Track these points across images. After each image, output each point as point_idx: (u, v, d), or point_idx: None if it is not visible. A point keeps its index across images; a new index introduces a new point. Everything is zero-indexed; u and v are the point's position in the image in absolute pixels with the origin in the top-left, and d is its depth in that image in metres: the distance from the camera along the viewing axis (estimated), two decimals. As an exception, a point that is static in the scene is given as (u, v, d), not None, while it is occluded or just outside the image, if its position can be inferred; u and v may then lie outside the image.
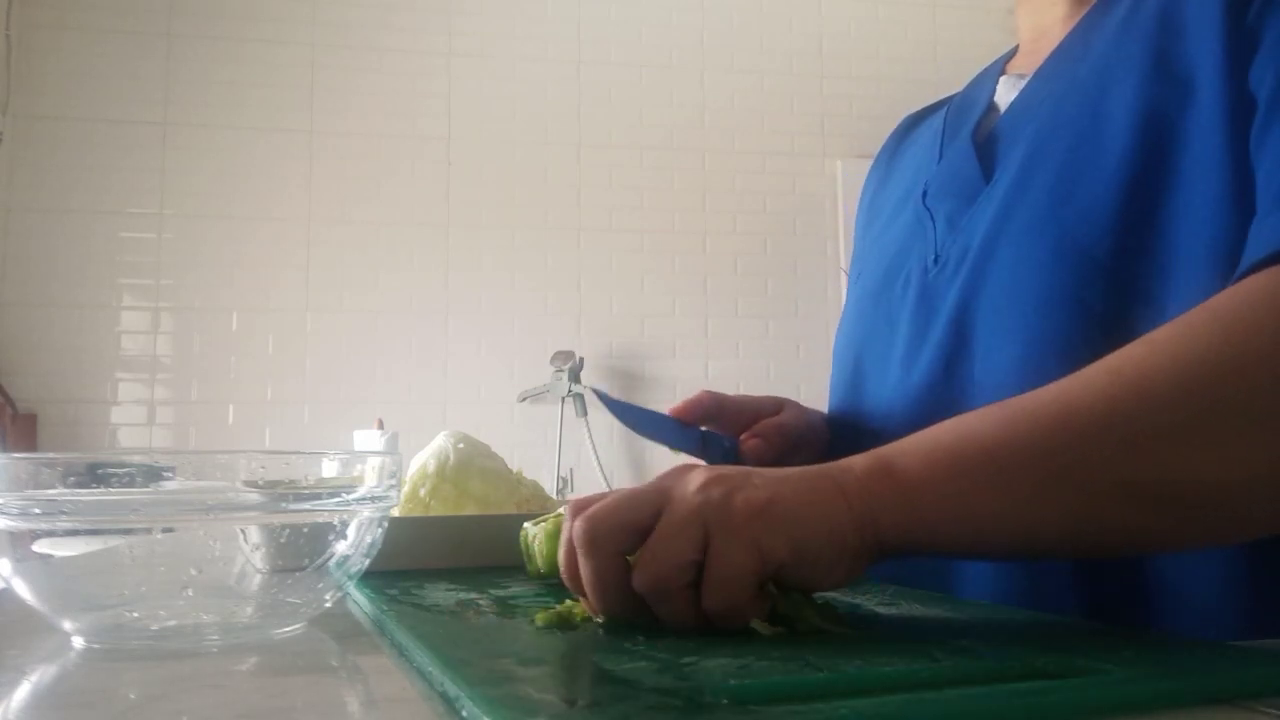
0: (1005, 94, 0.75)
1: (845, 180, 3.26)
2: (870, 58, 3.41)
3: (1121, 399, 0.46)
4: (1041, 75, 0.71)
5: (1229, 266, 0.53)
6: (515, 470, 0.85)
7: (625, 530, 0.45)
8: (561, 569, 0.48)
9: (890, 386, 0.73)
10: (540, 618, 0.48)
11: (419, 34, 3.11)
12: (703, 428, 0.75)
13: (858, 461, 0.47)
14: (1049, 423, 0.46)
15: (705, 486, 0.44)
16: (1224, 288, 0.49)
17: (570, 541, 0.46)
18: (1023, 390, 0.52)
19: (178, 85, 2.93)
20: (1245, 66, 0.56)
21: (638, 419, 0.74)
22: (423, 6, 3.12)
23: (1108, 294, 0.59)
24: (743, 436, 0.76)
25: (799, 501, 0.44)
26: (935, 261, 0.71)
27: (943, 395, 0.68)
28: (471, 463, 0.82)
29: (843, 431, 0.80)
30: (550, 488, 2.87)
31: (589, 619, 0.48)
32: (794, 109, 3.35)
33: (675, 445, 0.74)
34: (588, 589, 0.46)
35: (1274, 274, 0.47)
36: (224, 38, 2.97)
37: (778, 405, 0.80)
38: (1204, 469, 0.45)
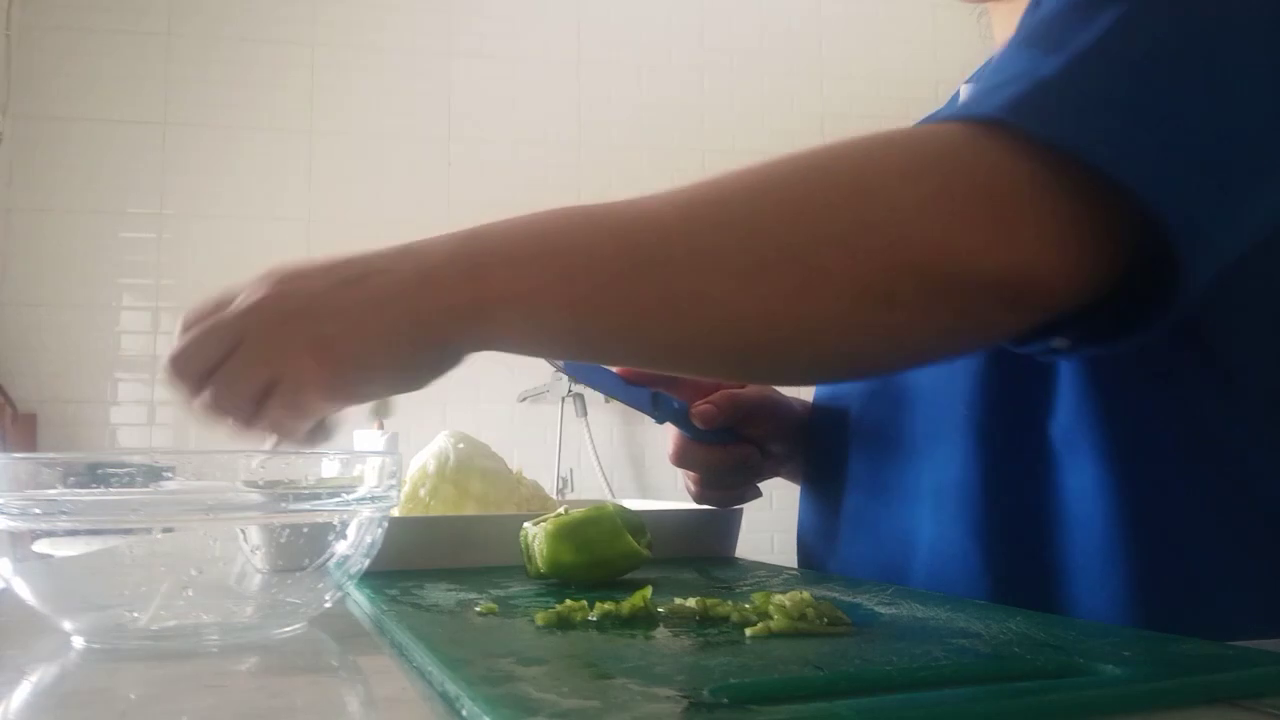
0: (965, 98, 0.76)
1: (845, 180, 3.25)
2: (870, 58, 3.41)
3: (690, 223, 0.47)
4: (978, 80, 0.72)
5: None
6: (515, 470, 0.85)
7: (199, 365, 0.50)
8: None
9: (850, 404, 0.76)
10: (540, 618, 0.48)
11: (419, 34, 3.11)
12: (655, 390, 0.77)
13: (444, 270, 0.48)
14: (625, 233, 0.47)
15: (252, 293, 0.49)
16: None
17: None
18: (957, 404, 0.55)
19: (178, 85, 2.93)
20: None
21: (590, 377, 0.77)
22: (423, 6, 3.12)
23: None
24: (695, 402, 0.77)
25: (368, 350, 0.47)
26: None
27: (886, 411, 0.71)
28: (471, 463, 0.82)
29: (820, 412, 0.82)
30: (550, 488, 2.87)
31: (589, 620, 0.48)
32: (794, 109, 3.35)
33: (627, 401, 0.77)
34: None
35: (882, 133, 0.48)
36: (224, 38, 2.97)
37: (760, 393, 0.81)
38: (728, 299, 0.45)
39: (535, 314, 0.47)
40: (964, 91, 0.76)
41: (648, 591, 0.51)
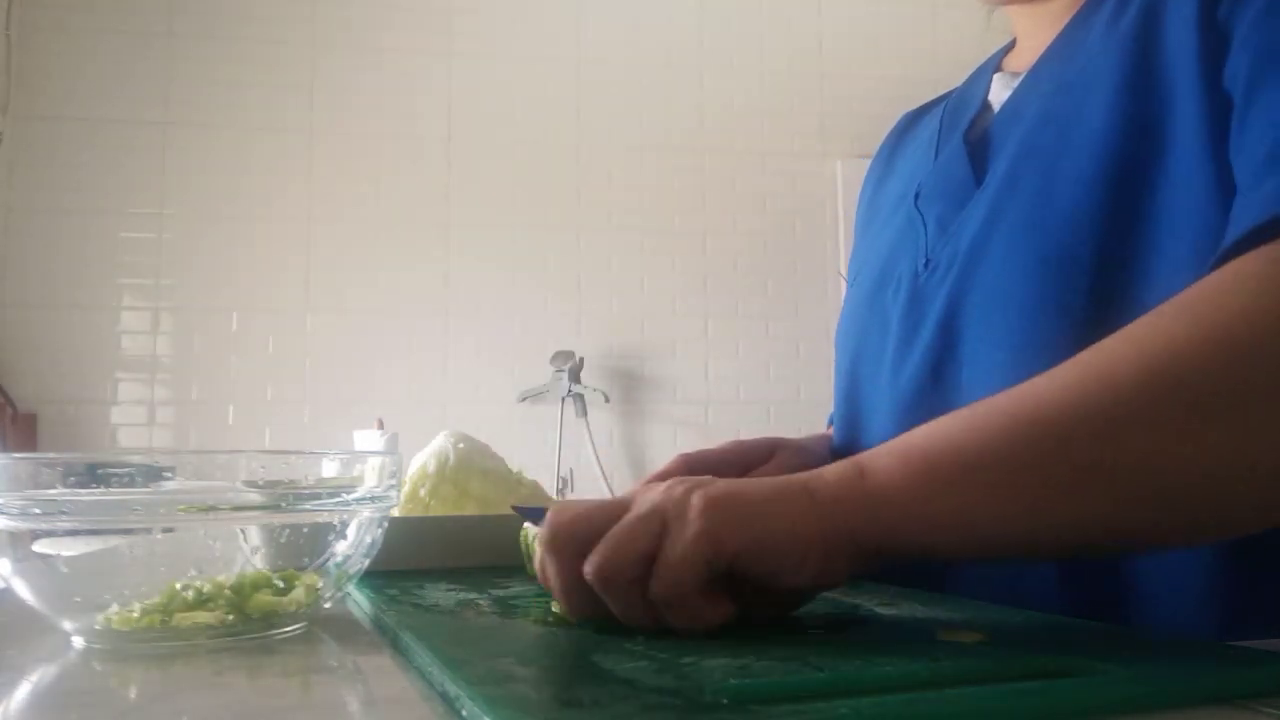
0: (999, 92, 0.75)
1: (845, 180, 3.26)
2: (870, 58, 3.41)
3: (1090, 390, 0.44)
4: (1032, 75, 0.71)
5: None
6: (515, 470, 0.85)
7: (589, 532, 0.45)
8: (535, 570, 0.49)
9: (882, 391, 0.73)
10: (556, 607, 0.48)
11: (419, 34, 3.11)
12: None
13: (831, 468, 0.47)
14: (1019, 418, 0.45)
15: (670, 487, 0.46)
16: None
17: (542, 544, 0.47)
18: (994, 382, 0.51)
19: (178, 85, 2.93)
20: (1220, 65, 0.56)
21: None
22: (423, 6, 3.12)
23: (1091, 298, 0.59)
24: None
25: (760, 498, 0.44)
26: (925, 265, 0.71)
27: (930, 400, 0.68)
28: (471, 463, 0.82)
29: (842, 439, 0.80)
30: (550, 488, 2.87)
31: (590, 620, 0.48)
32: (794, 109, 3.35)
33: None
34: (553, 587, 0.47)
35: (1247, 258, 0.46)
36: (224, 37, 2.97)
37: (769, 451, 0.77)
38: (1173, 457, 0.43)
39: (929, 501, 0.44)
40: (998, 82, 0.75)
41: None
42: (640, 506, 0.45)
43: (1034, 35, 0.74)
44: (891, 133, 0.93)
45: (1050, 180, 0.63)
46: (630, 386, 3.14)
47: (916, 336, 0.70)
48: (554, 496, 0.87)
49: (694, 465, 0.72)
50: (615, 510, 0.46)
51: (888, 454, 0.47)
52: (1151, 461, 0.43)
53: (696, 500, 0.44)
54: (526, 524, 0.66)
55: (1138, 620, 0.57)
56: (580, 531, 0.46)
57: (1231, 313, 0.44)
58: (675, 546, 0.43)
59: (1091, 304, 0.59)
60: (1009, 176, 0.66)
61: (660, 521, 0.44)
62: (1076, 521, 0.44)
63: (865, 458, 0.47)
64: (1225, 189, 0.55)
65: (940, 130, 0.79)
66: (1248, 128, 0.53)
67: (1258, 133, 0.52)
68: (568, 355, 3.01)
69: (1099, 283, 0.59)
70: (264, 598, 0.49)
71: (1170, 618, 0.56)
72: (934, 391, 0.68)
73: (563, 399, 3.01)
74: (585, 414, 3.04)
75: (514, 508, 0.63)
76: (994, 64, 0.80)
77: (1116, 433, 0.43)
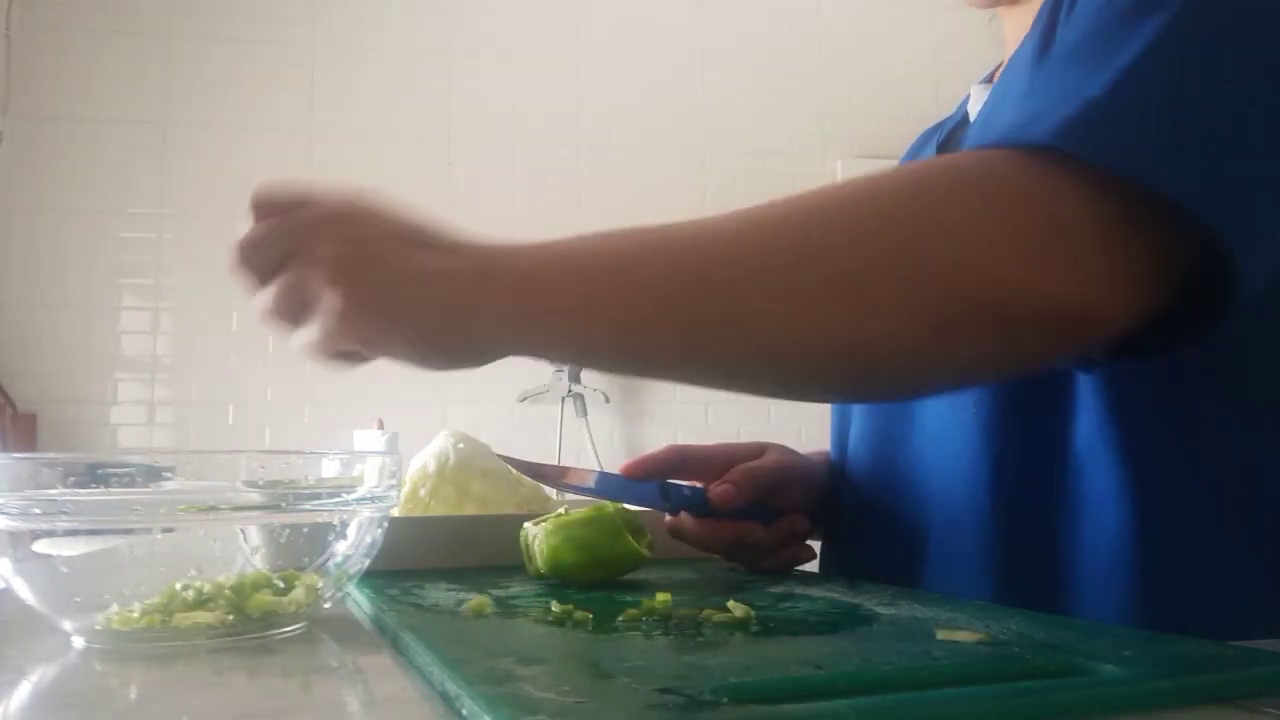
0: (976, 103, 0.75)
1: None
2: (870, 58, 3.41)
3: (744, 248, 0.46)
4: (996, 85, 0.71)
5: None
6: (515, 470, 0.85)
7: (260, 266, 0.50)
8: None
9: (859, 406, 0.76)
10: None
11: (419, 34, 3.11)
12: (662, 482, 0.72)
13: (504, 270, 0.48)
14: (684, 256, 0.47)
15: (320, 264, 0.47)
16: None
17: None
18: (966, 403, 0.53)
19: (178, 85, 2.93)
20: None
21: (600, 487, 0.71)
22: (423, 6, 3.12)
23: None
24: (713, 483, 0.72)
25: (398, 308, 0.46)
26: None
27: (892, 409, 0.70)
28: (471, 463, 0.82)
29: (835, 450, 0.82)
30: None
31: (589, 619, 0.49)
32: (794, 109, 3.35)
33: (635, 501, 0.70)
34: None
35: (938, 160, 0.48)
36: (224, 38, 2.97)
37: (758, 450, 0.77)
38: (778, 324, 0.45)
39: (587, 328, 0.47)
40: (975, 94, 0.76)
41: (668, 597, 0.51)
42: (286, 279, 0.48)
43: (1015, 43, 0.75)
44: (908, 152, 0.93)
45: None
46: (630, 386, 3.14)
47: None
48: (553, 496, 0.87)
49: (687, 457, 0.74)
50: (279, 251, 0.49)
51: (556, 265, 0.49)
52: (763, 325, 0.45)
53: (332, 302, 0.46)
54: (526, 524, 0.66)
55: (1147, 623, 0.57)
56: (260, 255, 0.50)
57: (897, 195, 0.46)
58: (311, 332, 0.48)
59: None
60: None
61: (300, 297, 0.47)
62: (702, 361, 0.48)
63: (498, 257, 0.49)
64: None
65: (936, 149, 0.80)
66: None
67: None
68: (568, 355, 3.00)
69: None
70: (264, 598, 0.49)
71: (1179, 619, 0.56)
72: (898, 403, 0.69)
73: (563, 399, 3.01)
74: (585, 414, 3.04)
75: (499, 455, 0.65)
76: (987, 78, 0.80)
77: (744, 295, 0.45)
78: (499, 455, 0.64)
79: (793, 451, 0.80)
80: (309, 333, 0.48)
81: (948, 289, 0.44)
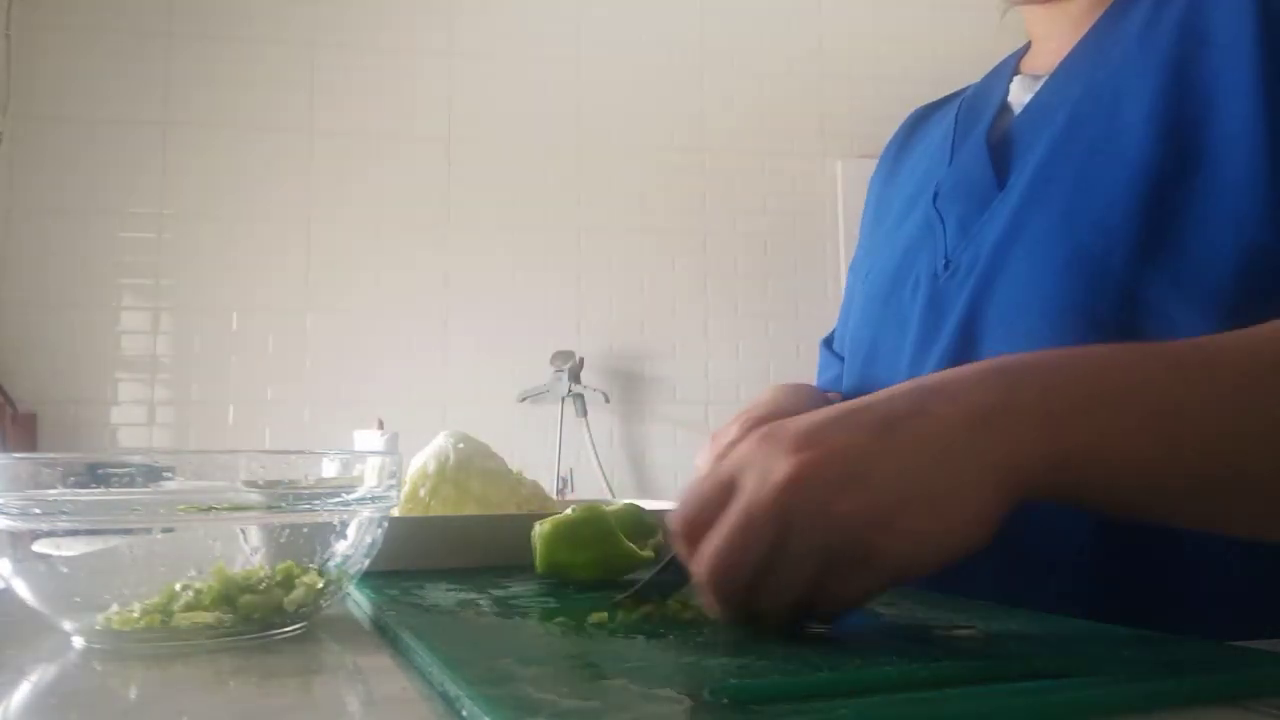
0: (1019, 94, 0.75)
1: (845, 180, 3.25)
2: (870, 58, 3.41)
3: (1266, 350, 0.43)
4: (1058, 78, 0.70)
5: (1250, 285, 0.53)
6: (515, 470, 0.85)
7: (746, 573, 0.41)
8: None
9: None
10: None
11: (419, 34, 3.11)
12: None
13: (1003, 413, 0.40)
14: (1228, 369, 0.42)
15: (789, 488, 0.39)
16: (1242, 305, 0.48)
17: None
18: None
19: (178, 85, 2.93)
20: None
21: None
22: (423, 6, 3.12)
23: (1119, 306, 0.59)
24: None
25: (928, 513, 0.38)
26: (945, 267, 0.71)
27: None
28: (471, 463, 0.82)
29: None
30: (550, 488, 2.87)
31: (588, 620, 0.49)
32: (794, 109, 3.34)
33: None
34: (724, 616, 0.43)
35: None
36: (224, 37, 2.97)
37: (821, 398, 0.77)
38: None
39: (1130, 461, 0.41)
40: (1018, 85, 0.75)
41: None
42: (745, 513, 0.40)
43: (1052, 37, 0.74)
44: (900, 130, 0.92)
45: (1082, 186, 0.62)
46: (630, 386, 3.14)
47: (936, 338, 0.69)
48: (554, 496, 0.87)
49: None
50: (758, 538, 0.40)
51: (1062, 385, 0.41)
52: None
53: (851, 533, 0.38)
54: (537, 524, 0.66)
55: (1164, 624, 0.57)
56: (737, 575, 0.41)
57: None
58: (836, 599, 0.39)
59: (1117, 311, 0.59)
60: (1036, 180, 0.65)
61: (771, 533, 0.39)
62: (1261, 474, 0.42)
63: (1055, 416, 0.40)
64: (1274, 205, 0.54)
65: (955, 129, 0.79)
66: None
67: None
68: (568, 355, 3.01)
69: (1127, 290, 0.58)
70: (263, 597, 0.49)
71: (1190, 622, 0.56)
72: None
73: (563, 399, 3.01)
74: (585, 414, 3.04)
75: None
76: (1012, 64, 0.79)
77: None
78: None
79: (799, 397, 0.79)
80: (826, 598, 0.39)
81: None
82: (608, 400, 3.08)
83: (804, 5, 3.40)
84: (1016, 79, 0.76)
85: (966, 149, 0.74)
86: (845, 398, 0.82)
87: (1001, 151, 0.70)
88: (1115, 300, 0.59)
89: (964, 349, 0.67)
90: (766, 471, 0.40)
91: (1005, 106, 0.75)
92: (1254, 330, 0.46)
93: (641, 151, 3.23)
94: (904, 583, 0.41)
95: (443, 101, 3.11)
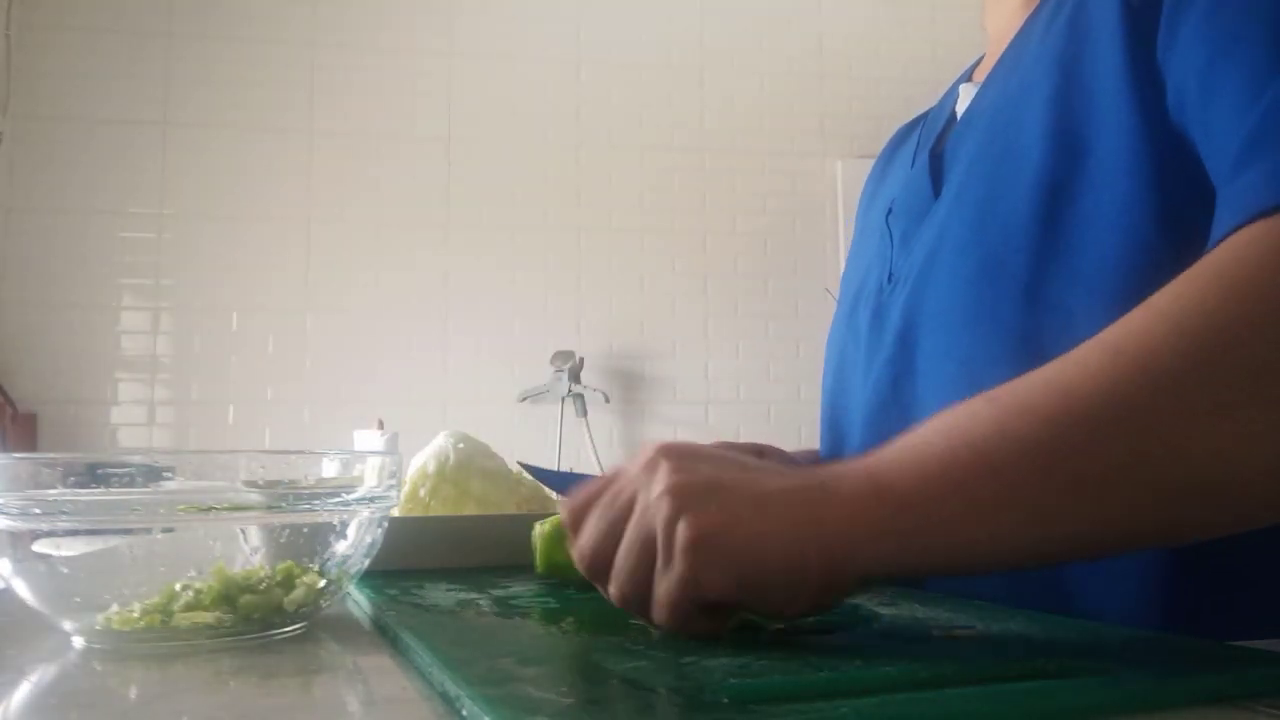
0: (964, 102, 0.75)
1: (845, 180, 3.25)
2: (870, 58, 3.41)
3: (1125, 380, 0.41)
4: (985, 85, 0.71)
5: (1139, 271, 0.53)
6: (515, 470, 0.85)
7: (607, 559, 0.45)
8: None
9: (855, 403, 0.75)
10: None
11: (419, 34, 3.11)
12: None
13: (846, 479, 0.42)
14: (1048, 416, 0.41)
15: (661, 498, 0.43)
16: (1133, 291, 0.45)
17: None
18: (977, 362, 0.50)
19: (178, 85, 2.93)
20: (1148, 53, 0.56)
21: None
22: (423, 6, 3.12)
23: (1023, 309, 0.59)
24: None
25: (756, 531, 0.41)
26: (889, 280, 0.73)
27: (891, 412, 0.69)
28: (471, 463, 0.82)
29: (827, 450, 0.82)
30: (550, 488, 2.87)
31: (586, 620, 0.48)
32: (794, 109, 3.35)
33: None
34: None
35: (1260, 229, 0.44)
36: (224, 37, 2.97)
37: (756, 454, 0.73)
38: (1224, 449, 0.40)
39: (969, 523, 0.41)
40: (964, 93, 0.76)
41: None
42: (630, 535, 0.44)
43: (998, 41, 0.75)
44: (886, 147, 0.94)
45: (991, 192, 0.63)
46: (630, 386, 3.14)
47: (879, 350, 0.71)
48: (554, 496, 0.87)
49: None
50: (618, 524, 0.45)
51: (903, 463, 0.42)
52: (1200, 456, 0.40)
53: (682, 535, 0.41)
54: (536, 524, 0.66)
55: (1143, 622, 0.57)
56: (601, 560, 0.46)
57: (1262, 286, 0.41)
58: (661, 588, 0.42)
59: (1022, 314, 0.60)
60: (959, 190, 0.67)
61: (650, 554, 0.43)
62: (1129, 527, 0.41)
63: (878, 469, 0.43)
64: (1150, 187, 0.55)
65: (917, 145, 0.80)
66: (1213, 111, 0.52)
67: (1228, 122, 0.50)
68: (568, 355, 3.01)
69: (1030, 293, 0.59)
70: (263, 597, 0.49)
71: (1173, 620, 0.56)
72: (894, 403, 0.69)
73: (563, 399, 3.01)
74: (585, 414, 3.04)
75: (521, 464, 0.62)
76: (966, 77, 0.80)
77: (1162, 428, 0.40)
78: (520, 463, 0.61)
79: (786, 454, 0.80)
80: (663, 589, 0.42)
81: None
82: (608, 400, 3.08)
83: (804, 5, 3.40)
84: (963, 88, 0.77)
85: (917, 164, 0.75)
86: (821, 414, 0.83)
87: (937, 163, 0.71)
88: (1020, 304, 0.60)
89: (902, 359, 0.68)
90: (648, 481, 0.44)
91: (952, 117, 0.76)
92: (1069, 360, 0.44)
93: (641, 151, 3.23)
94: (709, 602, 0.42)
95: (443, 101, 3.11)
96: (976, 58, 0.82)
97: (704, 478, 0.43)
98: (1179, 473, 0.40)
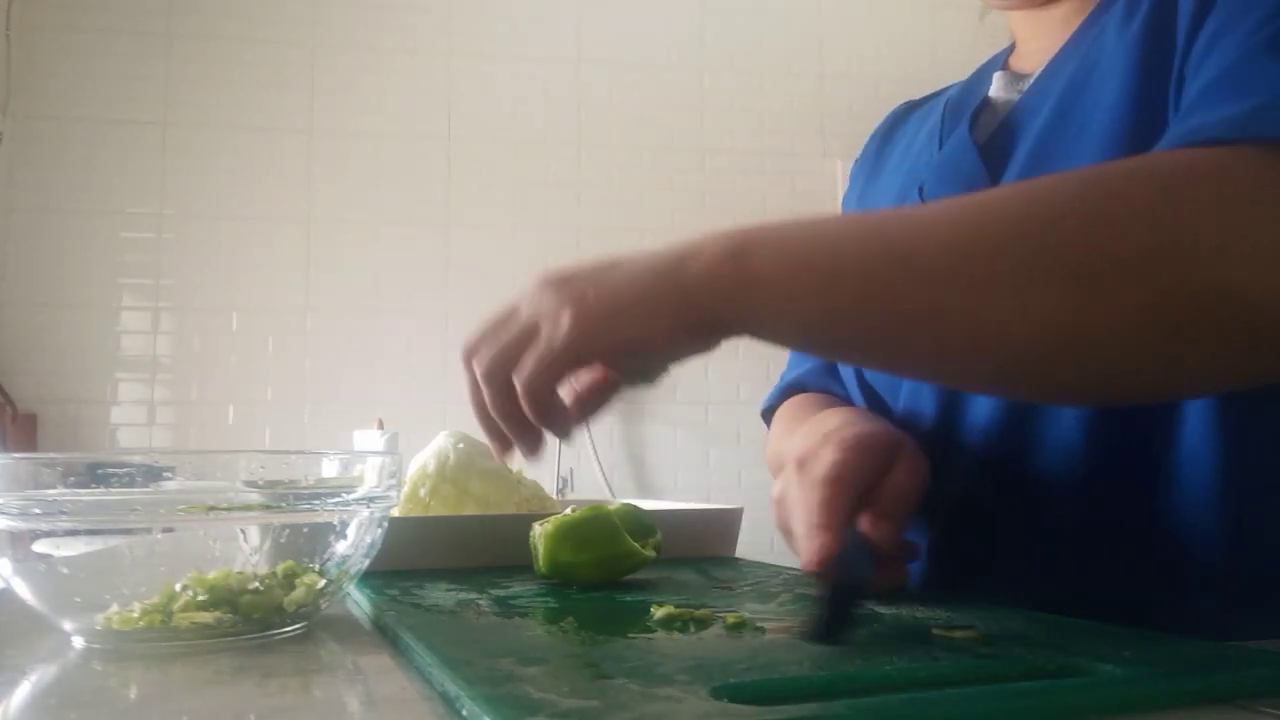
0: (1000, 90, 0.76)
1: (845, 180, 3.24)
2: (870, 58, 3.41)
3: (962, 238, 0.46)
4: (1046, 75, 0.71)
5: None
6: (515, 470, 0.85)
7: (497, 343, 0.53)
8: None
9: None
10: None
11: (419, 34, 3.11)
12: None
13: (710, 248, 0.48)
14: (886, 241, 0.47)
15: (549, 297, 0.50)
16: None
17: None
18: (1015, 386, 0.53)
19: (178, 85, 2.93)
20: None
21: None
22: (423, 6, 3.12)
23: None
24: (863, 518, 0.56)
25: (628, 303, 0.48)
26: None
27: (942, 390, 0.68)
28: (471, 463, 0.82)
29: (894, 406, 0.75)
30: (550, 488, 2.87)
31: (586, 620, 0.48)
32: (794, 109, 3.35)
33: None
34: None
35: (1166, 155, 0.46)
36: (224, 38, 2.97)
37: (889, 450, 0.59)
38: (1001, 313, 0.44)
39: (795, 301, 0.46)
40: (998, 81, 0.76)
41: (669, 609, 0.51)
42: (516, 323, 0.51)
43: (1038, 39, 0.75)
44: (881, 127, 0.93)
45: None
46: (630, 386, 3.14)
47: None
48: (554, 496, 0.87)
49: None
50: (509, 325, 0.52)
51: (769, 244, 0.48)
52: (983, 315, 0.44)
53: (566, 320, 0.49)
54: (535, 525, 0.66)
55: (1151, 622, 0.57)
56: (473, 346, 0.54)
57: (1112, 192, 0.45)
58: (530, 356, 0.50)
59: None
60: (1026, 173, 0.66)
61: (530, 336, 0.50)
62: (909, 349, 0.48)
63: (747, 241, 0.48)
64: None
65: (942, 126, 0.79)
66: (1203, 70, 0.54)
67: (1211, 67, 0.53)
68: (568, 355, 3.00)
69: None
70: (263, 597, 0.49)
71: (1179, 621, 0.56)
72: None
73: (563, 399, 3.01)
74: (585, 414, 3.03)
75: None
76: (997, 64, 0.80)
77: (964, 282, 0.45)
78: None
79: (918, 449, 0.65)
80: (531, 356, 0.50)
81: (1188, 290, 0.42)
82: (608, 400, 3.07)
83: (804, 5, 3.40)
84: (998, 75, 0.77)
85: (952, 143, 0.75)
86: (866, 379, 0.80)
87: (994, 146, 0.71)
88: None
89: None
90: (538, 299, 0.51)
91: (987, 102, 0.76)
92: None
93: (641, 151, 3.23)
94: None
95: (443, 101, 3.10)
96: (1001, 49, 0.82)
97: (585, 271, 0.50)
98: (959, 337, 0.46)
